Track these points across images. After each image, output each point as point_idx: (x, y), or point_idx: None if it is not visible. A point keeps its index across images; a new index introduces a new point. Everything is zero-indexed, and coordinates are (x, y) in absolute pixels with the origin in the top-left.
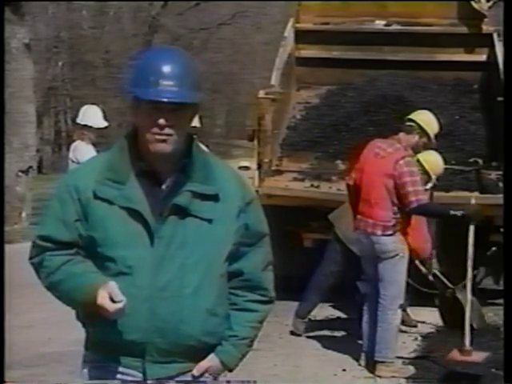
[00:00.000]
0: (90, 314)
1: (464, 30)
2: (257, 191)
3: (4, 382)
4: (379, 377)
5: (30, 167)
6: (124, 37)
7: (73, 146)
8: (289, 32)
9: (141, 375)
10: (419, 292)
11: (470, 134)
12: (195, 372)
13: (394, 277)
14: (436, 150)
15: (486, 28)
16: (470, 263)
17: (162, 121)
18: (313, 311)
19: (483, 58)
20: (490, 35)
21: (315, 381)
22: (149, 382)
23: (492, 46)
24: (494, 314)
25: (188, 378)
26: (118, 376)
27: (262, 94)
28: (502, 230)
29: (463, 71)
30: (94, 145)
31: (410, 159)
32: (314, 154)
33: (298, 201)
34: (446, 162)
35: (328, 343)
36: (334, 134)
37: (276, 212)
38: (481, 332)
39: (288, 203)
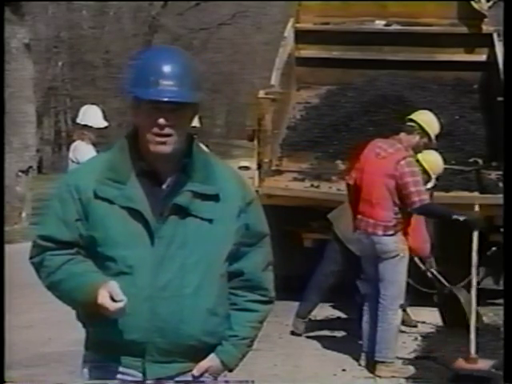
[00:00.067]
0: (91, 314)
1: (464, 30)
2: (257, 191)
3: (4, 382)
4: (379, 377)
5: (30, 167)
6: (124, 37)
7: (73, 146)
8: (289, 32)
9: (141, 375)
10: (419, 292)
11: (469, 134)
12: (195, 372)
13: (395, 277)
14: (436, 149)
15: (486, 28)
16: (474, 271)
17: (162, 120)
18: (313, 311)
19: (483, 58)
20: (490, 35)
21: (315, 381)
22: (149, 381)
23: (492, 46)
24: (494, 314)
25: (188, 377)
26: (118, 376)
27: (262, 94)
28: (502, 229)
29: (463, 71)
30: (94, 145)
31: (411, 159)
32: (313, 154)
33: (298, 201)
34: (445, 161)
35: (328, 343)
36: (334, 134)
37: (276, 212)
38: (481, 332)
39: (288, 203)
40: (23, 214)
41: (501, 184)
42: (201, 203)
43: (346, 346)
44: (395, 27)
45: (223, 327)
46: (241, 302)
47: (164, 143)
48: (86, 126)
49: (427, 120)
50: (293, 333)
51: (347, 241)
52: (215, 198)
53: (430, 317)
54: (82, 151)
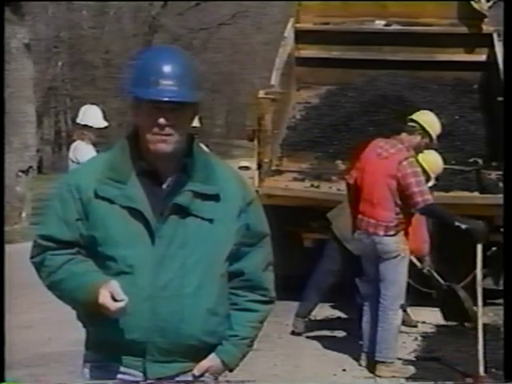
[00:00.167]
0: (91, 314)
1: (464, 30)
2: (257, 191)
3: (4, 382)
4: (379, 377)
5: (30, 167)
6: (124, 37)
7: (73, 146)
8: (289, 32)
9: (141, 375)
10: (419, 292)
11: (470, 134)
12: (196, 372)
13: (396, 277)
14: (435, 149)
15: (486, 28)
16: (479, 288)
17: (162, 120)
18: (313, 311)
19: (483, 58)
20: (490, 35)
21: (315, 381)
22: (149, 381)
23: (492, 46)
24: (494, 314)
25: (188, 377)
26: (119, 375)
27: (262, 94)
28: (502, 229)
29: (463, 71)
30: (94, 145)
31: (412, 160)
32: (314, 154)
33: (298, 201)
34: (446, 162)
35: (328, 343)
36: (334, 134)
37: (276, 212)
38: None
39: (288, 203)
40: (23, 214)
41: (501, 184)
42: (201, 203)
43: (346, 346)
44: (395, 27)
45: (223, 327)
46: (241, 302)
47: (164, 141)
48: (86, 126)
49: (428, 120)
50: (293, 333)
51: (345, 240)
52: (216, 197)
53: (430, 317)
54: (82, 151)
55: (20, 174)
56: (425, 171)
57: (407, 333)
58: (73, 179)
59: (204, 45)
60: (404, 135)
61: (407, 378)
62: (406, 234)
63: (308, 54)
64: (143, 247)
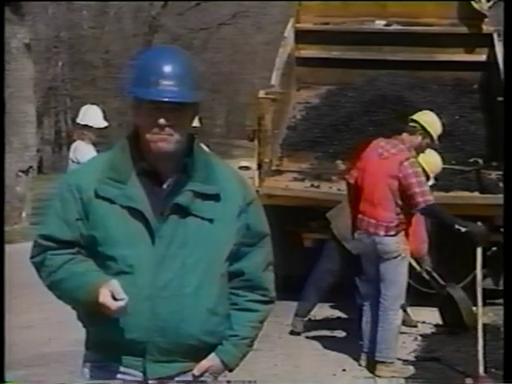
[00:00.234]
0: (92, 313)
1: (464, 30)
2: (257, 191)
3: (4, 382)
4: (379, 377)
5: (30, 167)
6: (124, 37)
7: (73, 146)
8: (289, 32)
9: (141, 374)
10: (419, 292)
11: (470, 134)
12: (196, 371)
13: (396, 277)
14: (435, 149)
15: (486, 28)
16: (479, 290)
17: (162, 120)
18: (312, 310)
19: (483, 58)
20: (490, 35)
21: (315, 381)
22: (149, 381)
23: (492, 46)
24: (494, 314)
25: (188, 377)
26: (119, 375)
27: (262, 94)
28: (502, 229)
29: (463, 71)
30: (94, 145)
31: (413, 160)
32: (314, 154)
33: (298, 201)
34: (445, 162)
35: (328, 343)
36: (334, 134)
37: (276, 212)
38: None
39: (288, 203)
40: (23, 214)
41: (501, 184)
42: (201, 203)
43: (346, 346)
44: (395, 27)
45: (223, 327)
46: (241, 302)
47: (165, 141)
48: (86, 125)
49: (429, 121)
50: (293, 333)
51: (344, 239)
52: (216, 197)
53: (430, 317)
54: (83, 151)
55: (20, 173)
56: (424, 171)
57: (407, 333)
58: (73, 179)
59: (204, 45)
60: (405, 135)
61: (407, 378)
62: (407, 235)
63: (308, 54)
64: (143, 247)
